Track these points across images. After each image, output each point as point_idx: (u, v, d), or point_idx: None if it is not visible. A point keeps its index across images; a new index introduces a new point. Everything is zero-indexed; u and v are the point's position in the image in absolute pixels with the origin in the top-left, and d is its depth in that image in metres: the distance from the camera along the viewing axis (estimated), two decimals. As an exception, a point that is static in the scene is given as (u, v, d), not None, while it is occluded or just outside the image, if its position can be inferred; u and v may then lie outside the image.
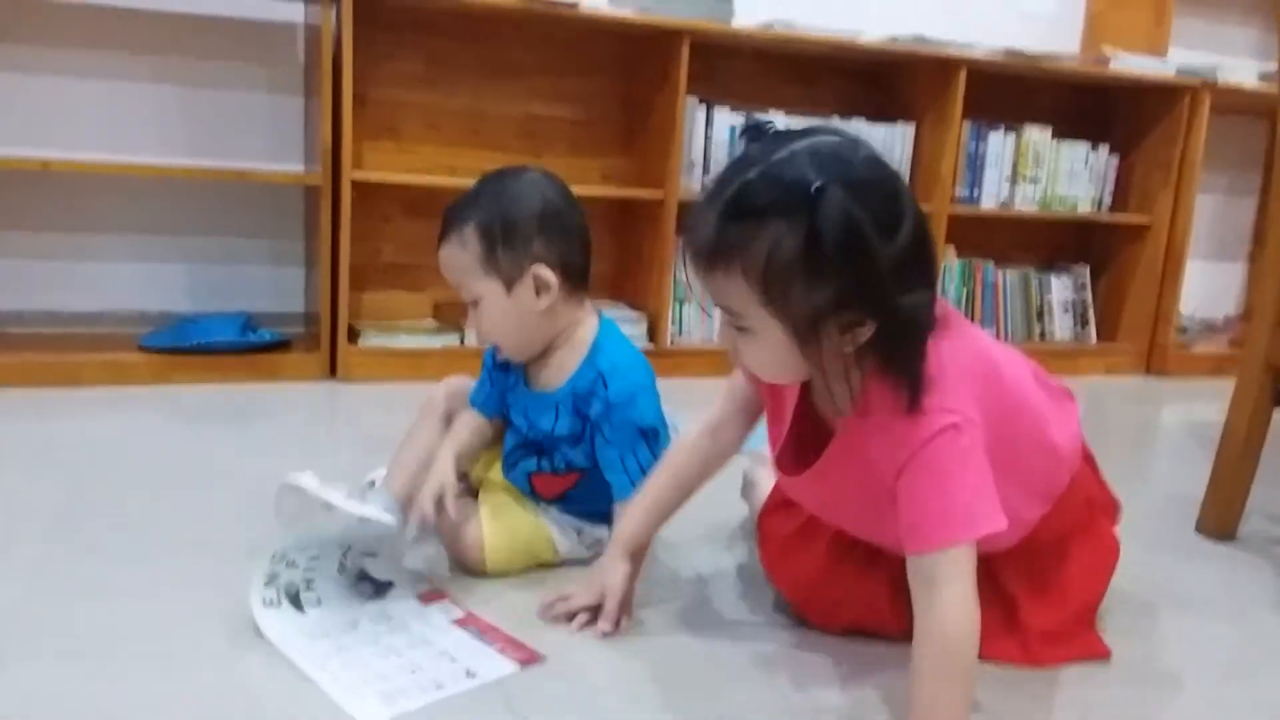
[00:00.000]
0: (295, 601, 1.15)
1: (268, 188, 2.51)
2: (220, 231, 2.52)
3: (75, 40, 2.33)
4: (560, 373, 1.31)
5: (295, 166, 2.53)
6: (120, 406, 2.03)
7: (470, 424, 1.38)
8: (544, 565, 1.33)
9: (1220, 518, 1.58)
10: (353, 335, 2.39)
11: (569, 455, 1.31)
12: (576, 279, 1.29)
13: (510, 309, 1.26)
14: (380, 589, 1.22)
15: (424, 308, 2.64)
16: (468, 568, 1.29)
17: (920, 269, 0.91)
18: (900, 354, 0.93)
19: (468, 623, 1.17)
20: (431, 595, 1.23)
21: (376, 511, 1.30)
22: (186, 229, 2.50)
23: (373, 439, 1.93)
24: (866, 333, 0.91)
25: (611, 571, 1.18)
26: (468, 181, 2.44)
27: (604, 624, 1.15)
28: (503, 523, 1.31)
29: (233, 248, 2.54)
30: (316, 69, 2.30)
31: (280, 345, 2.36)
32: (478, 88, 2.59)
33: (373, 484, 1.48)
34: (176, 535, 1.39)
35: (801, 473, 1.07)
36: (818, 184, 0.85)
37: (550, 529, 1.33)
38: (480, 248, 1.24)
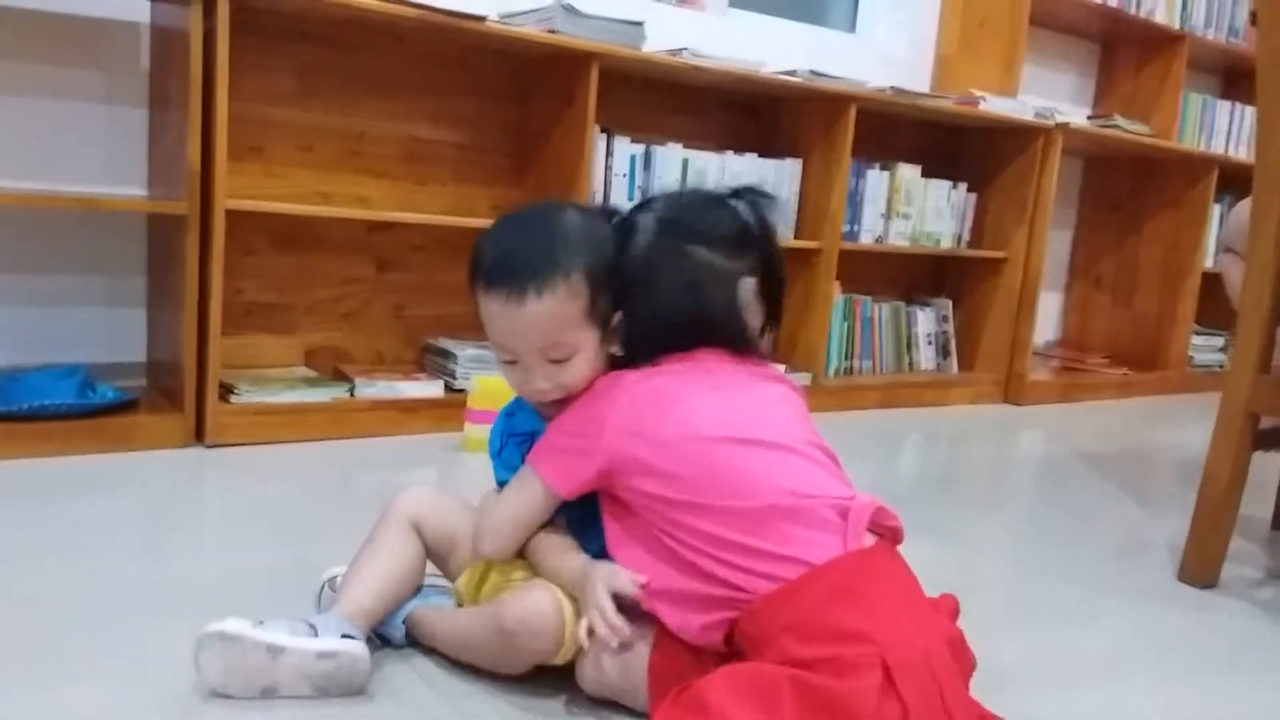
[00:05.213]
0: None
1: (98, 214, 2.10)
2: (35, 268, 2.09)
3: None
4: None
5: (135, 190, 2.14)
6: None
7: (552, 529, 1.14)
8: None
9: (1203, 565, 1.60)
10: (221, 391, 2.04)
11: None
12: None
13: (597, 357, 1.11)
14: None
15: (294, 353, 2.31)
16: (534, 649, 1.06)
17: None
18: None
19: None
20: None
21: (337, 641, 1.06)
22: (-7, 264, 2.06)
23: (262, 513, 1.66)
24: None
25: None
26: (343, 210, 2.23)
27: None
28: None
29: (51, 287, 2.11)
30: (170, 79, 1.96)
31: (126, 405, 1.98)
32: (355, 106, 2.30)
33: (334, 580, 1.23)
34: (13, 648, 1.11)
35: None
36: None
37: None
38: (588, 295, 1.08)
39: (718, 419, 1.04)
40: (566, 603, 1.06)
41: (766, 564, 0.96)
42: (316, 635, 1.05)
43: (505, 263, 1.07)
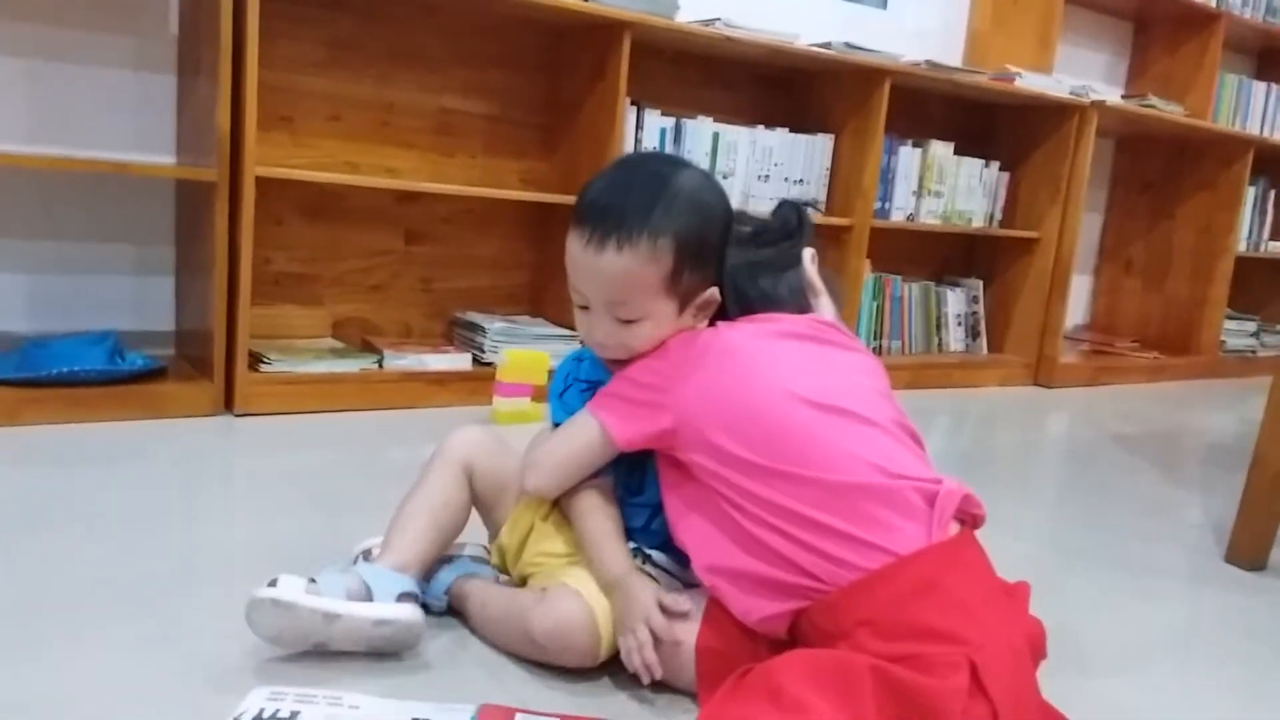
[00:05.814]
0: None
1: (126, 182, 2.09)
2: (67, 234, 2.08)
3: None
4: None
5: (163, 157, 2.13)
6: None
7: (603, 494, 1.10)
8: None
9: (1252, 547, 1.57)
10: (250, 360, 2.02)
11: None
12: None
13: (669, 327, 1.06)
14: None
15: (321, 325, 2.29)
16: (568, 662, 1.04)
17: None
18: None
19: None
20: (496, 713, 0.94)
21: (394, 608, 1.04)
22: (22, 230, 2.05)
23: (291, 483, 1.64)
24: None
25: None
26: (372, 180, 2.20)
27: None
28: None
29: (80, 253, 2.10)
30: (200, 46, 1.93)
31: (155, 373, 1.97)
32: (385, 76, 2.27)
33: (368, 552, 1.20)
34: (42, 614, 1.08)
35: None
36: None
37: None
38: (673, 264, 1.02)
39: (798, 379, 0.98)
40: (600, 609, 1.01)
41: (846, 549, 0.89)
42: (371, 596, 1.03)
43: (599, 205, 1.03)
